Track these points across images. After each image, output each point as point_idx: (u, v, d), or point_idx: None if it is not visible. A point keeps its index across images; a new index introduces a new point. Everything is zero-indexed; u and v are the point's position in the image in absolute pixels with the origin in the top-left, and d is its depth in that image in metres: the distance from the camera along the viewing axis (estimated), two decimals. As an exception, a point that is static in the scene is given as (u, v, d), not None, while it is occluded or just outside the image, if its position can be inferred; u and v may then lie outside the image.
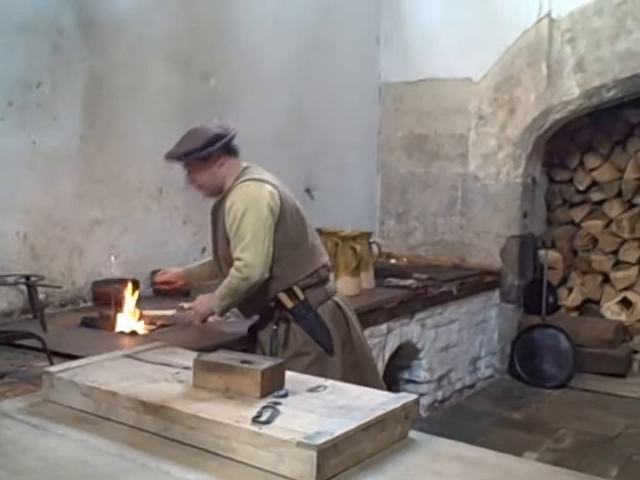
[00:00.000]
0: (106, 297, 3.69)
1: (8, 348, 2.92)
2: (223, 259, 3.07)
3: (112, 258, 3.57)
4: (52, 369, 2.21)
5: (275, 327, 3.02)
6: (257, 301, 3.05)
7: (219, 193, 3.07)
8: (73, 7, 3.79)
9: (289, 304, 2.99)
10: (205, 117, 4.57)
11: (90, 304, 3.92)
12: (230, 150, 3.05)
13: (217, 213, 3.09)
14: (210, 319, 3.25)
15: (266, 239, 2.90)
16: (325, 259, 3.16)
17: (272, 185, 2.99)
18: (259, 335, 3.11)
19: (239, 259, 2.90)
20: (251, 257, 2.88)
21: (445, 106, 6.00)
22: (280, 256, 2.96)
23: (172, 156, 3.07)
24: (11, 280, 3.48)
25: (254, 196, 2.93)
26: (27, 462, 1.74)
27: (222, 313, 3.13)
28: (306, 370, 2.50)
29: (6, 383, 2.50)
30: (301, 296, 3.00)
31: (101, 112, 3.99)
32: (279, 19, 5.12)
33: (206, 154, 2.98)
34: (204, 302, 3.15)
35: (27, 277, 3.51)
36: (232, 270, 2.93)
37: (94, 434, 1.90)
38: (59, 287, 3.73)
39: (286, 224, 2.97)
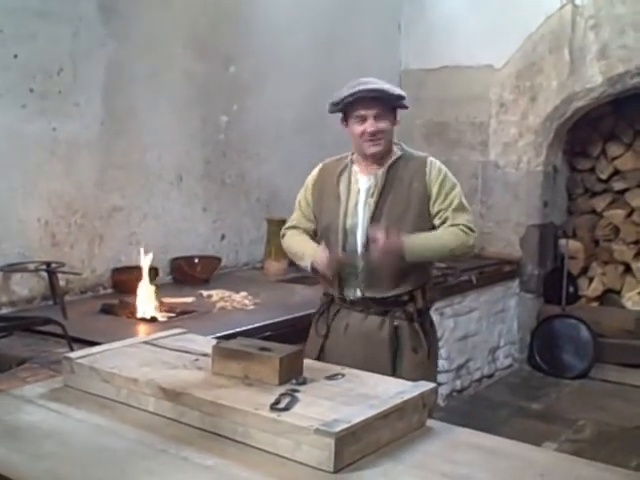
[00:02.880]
0: (126, 284, 3.73)
1: (29, 334, 2.95)
2: (397, 224, 2.70)
3: (141, 250, 3.53)
4: (72, 355, 2.22)
5: (396, 324, 2.75)
6: (394, 286, 2.75)
7: (385, 151, 2.80)
8: (93, -7, 3.80)
9: (420, 303, 2.79)
10: (225, 103, 4.60)
11: (110, 291, 3.95)
12: None
13: (400, 176, 2.79)
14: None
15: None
16: None
17: None
18: (349, 327, 2.79)
19: (470, 228, 2.74)
20: (470, 224, 2.76)
21: (466, 93, 5.95)
22: None
23: (391, 94, 2.76)
24: (32, 267, 3.52)
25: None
26: (48, 447, 1.76)
27: (409, 261, 2.68)
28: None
29: (27, 369, 2.53)
30: (428, 297, 2.85)
31: (121, 98, 4.00)
32: (300, 5, 5.10)
33: (402, 106, 2.82)
34: (392, 242, 2.64)
35: (48, 264, 3.54)
36: (459, 232, 2.71)
37: (114, 419, 1.91)
38: (79, 274, 3.76)
39: None
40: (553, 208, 6.01)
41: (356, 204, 2.80)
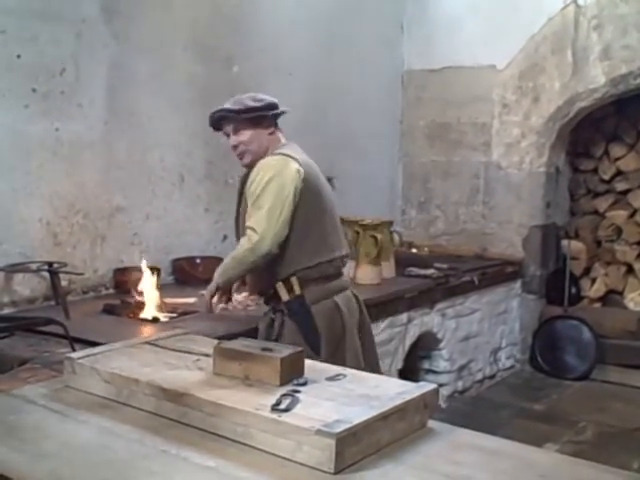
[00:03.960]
0: (127, 284, 3.73)
1: (31, 334, 2.95)
2: (242, 233, 2.95)
3: (144, 260, 3.53)
4: (74, 355, 2.22)
5: (273, 317, 2.95)
6: (258, 284, 3.01)
7: (258, 159, 2.95)
8: (96, -6, 3.81)
9: (285, 296, 2.90)
10: (227, 105, 4.59)
11: (112, 291, 3.95)
12: (277, 123, 3.03)
13: (244, 183, 3.00)
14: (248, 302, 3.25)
15: (282, 215, 2.80)
16: (336, 254, 2.99)
17: (300, 164, 2.89)
18: (258, 322, 3.05)
19: (251, 228, 2.81)
20: (263, 228, 2.78)
21: (468, 94, 5.95)
22: (287, 242, 2.85)
23: (231, 111, 2.95)
24: (34, 267, 3.52)
25: (280, 169, 2.84)
26: (49, 447, 1.76)
27: (224, 285, 2.97)
28: None
29: (28, 369, 2.53)
30: (297, 290, 2.89)
31: (124, 99, 4.01)
32: (302, 5, 5.11)
33: (262, 116, 2.94)
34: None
35: (50, 264, 3.55)
36: (241, 239, 2.87)
37: (115, 420, 1.91)
38: (81, 274, 3.76)
39: (300, 209, 2.86)
40: (555, 209, 6.00)
41: None
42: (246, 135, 2.96)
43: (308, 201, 2.89)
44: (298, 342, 2.76)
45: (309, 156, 3.04)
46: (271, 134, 2.99)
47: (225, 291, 3.06)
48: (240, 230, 3.03)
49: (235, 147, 3.00)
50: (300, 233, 2.88)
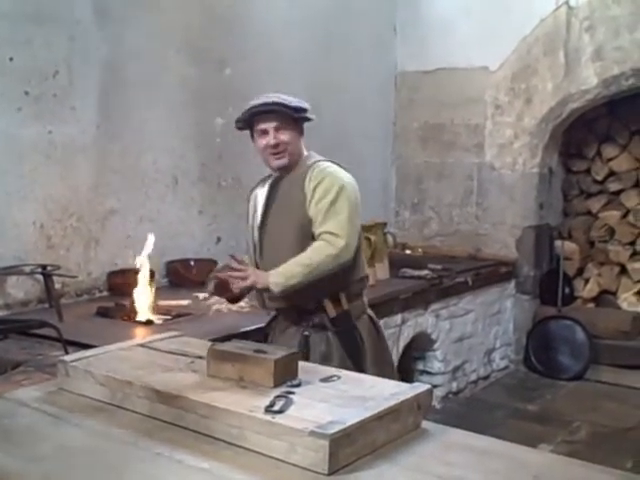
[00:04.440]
0: (121, 287, 3.73)
1: (24, 337, 2.95)
2: (284, 237, 2.73)
3: (137, 260, 3.51)
4: (67, 358, 2.22)
5: (307, 334, 2.74)
6: (297, 297, 2.70)
7: (292, 163, 2.78)
8: (89, -3, 3.81)
9: (332, 312, 2.72)
10: (220, 106, 4.60)
11: (105, 294, 3.96)
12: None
13: (284, 187, 2.80)
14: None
15: (358, 224, 2.70)
16: (367, 269, 2.94)
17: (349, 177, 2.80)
18: (277, 336, 2.83)
19: (333, 234, 2.60)
20: (347, 234, 2.61)
21: (461, 95, 5.96)
22: None
23: (286, 106, 2.72)
24: (27, 270, 3.52)
25: (347, 178, 2.74)
26: (42, 450, 1.75)
27: (284, 292, 2.65)
28: None
29: (22, 372, 2.53)
30: (345, 305, 2.73)
31: (117, 102, 4.01)
32: (295, 8, 5.11)
33: (306, 119, 2.81)
34: (260, 275, 2.69)
35: (43, 267, 3.55)
36: (320, 243, 2.62)
37: (109, 423, 1.91)
38: (75, 277, 3.76)
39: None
40: (549, 209, 6.02)
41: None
42: (289, 135, 2.75)
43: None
44: (344, 361, 2.68)
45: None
46: (302, 137, 2.85)
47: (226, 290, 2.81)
48: (265, 243, 2.81)
49: (275, 146, 2.73)
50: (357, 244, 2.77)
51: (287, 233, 2.73)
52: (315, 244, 2.64)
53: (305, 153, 2.85)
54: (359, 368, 2.63)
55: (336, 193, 2.66)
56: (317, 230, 2.66)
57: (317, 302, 2.74)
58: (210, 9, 4.54)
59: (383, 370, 2.70)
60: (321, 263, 2.60)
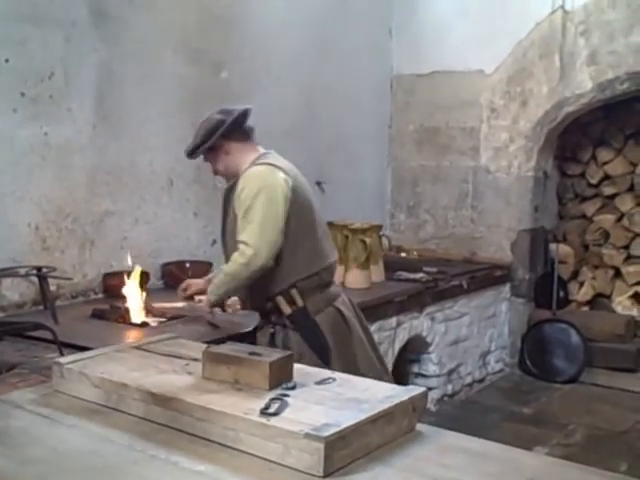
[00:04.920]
0: (117, 289, 3.72)
1: (19, 339, 2.94)
2: (231, 247, 2.93)
3: (128, 256, 3.53)
4: (62, 360, 2.22)
5: (272, 331, 2.90)
6: (255, 299, 2.95)
7: (234, 176, 2.97)
8: (85, -2, 3.80)
9: (287, 310, 2.85)
10: (217, 108, 4.58)
11: (101, 296, 3.95)
12: (237, 135, 2.95)
13: (228, 198, 2.99)
14: (217, 311, 3.13)
15: (276, 227, 2.76)
16: (330, 260, 2.98)
17: (286, 173, 2.86)
18: (257, 336, 2.99)
19: (244, 242, 2.77)
20: (256, 242, 2.74)
21: (457, 98, 5.98)
22: (281, 253, 2.81)
23: (186, 154, 3.05)
24: (22, 272, 3.51)
25: (268, 180, 2.81)
26: (37, 452, 1.75)
27: (218, 302, 3.00)
28: None
29: (17, 374, 2.52)
30: (300, 302, 2.85)
31: (113, 103, 4.00)
32: (291, 10, 5.12)
33: (211, 145, 2.92)
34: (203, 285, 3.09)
35: (38, 269, 3.53)
36: (235, 254, 2.81)
37: (104, 425, 1.91)
38: (70, 279, 3.75)
39: (292, 219, 2.82)
40: (544, 213, 6.03)
41: None
42: (215, 163, 3.01)
43: (298, 210, 2.85)
44: (306, 354, 2.75)
45: (292, 162, 3.04)
46: (231, 151, 2.95)
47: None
48: (228, 245, 2.99)
49: (215, 173, 3.08)
50: (294, 243, 2.84)
51: (233, 241, 2.89)
52: (233, 254, 2.83)
53: (251, 158, 2.94)
54: (326, 363, 2.71)
55: (250, 200, 2.78)
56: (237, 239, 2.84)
57: (272, 302, 2.87)
58: (207, 10, 4.54)
59: (347, 365, 2.71)
60: (236, 272, 2.82)
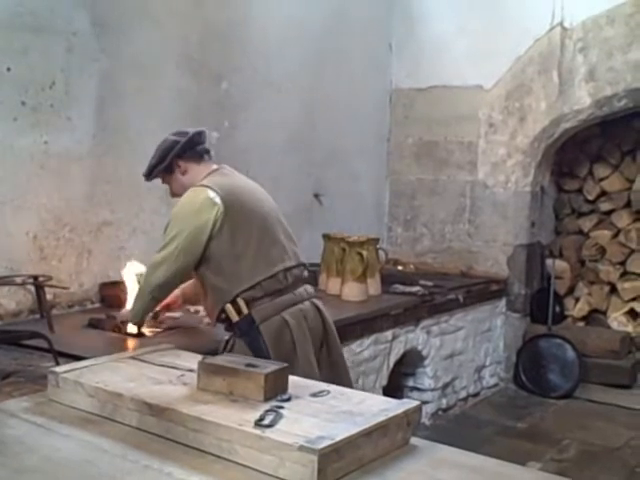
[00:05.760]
0: (113, 299, 3.73)
1: (15, 348, 2.94)
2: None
3: (128, 265, 3.55)
4: (58, 369, 2.22)
5: (227, 338, 2.92)
6: (211, 310, 2.99)
7: None
8: (87, 8, 3.82)
9: (235, 318, 2.86)
10: (216, 120, 4.62)
11: (97, 305, 3.94)
12: (191, 155, 3.01)
13: None
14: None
15: (180, 251, 2.83)
16: (279, 267, 2.92)
17: (215, 191, 2.85)
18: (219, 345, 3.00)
19: (152, 259, 2.92)
20: (159, 259, 2.86)
21: (455, 113, 6.00)
22: (222, 266, 2.85)
23: (144, 176, 3.13)
24: (19, 280, 3.51)
25: (189, 201, 2.89)
26: (32, 461, 1.76)
27: (134, 319, 3.06)
28: None
29: (12, 383, 2.52)
30: (245, 310, 2.84)
31: (113, 113, 4.02)
32: (291, 24, 5.14)
33: (166, 166, 3.00)
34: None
35: (35, 277, 3.53)
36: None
37: (98, 434, 1.91)
38: (67, 288, 3.75)
39: (229, 233, 2.84)
40: (540, 228, 6.05)
41: None
42: (170, 185, 3.09)
43: (234, 223, 2.85)
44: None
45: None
46: (185, 171, 3.01)
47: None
48: None
49: (173, 195, 3.12)
50: (233, 256, 2.85)
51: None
52: None
53: (206, 172, 3.00)
54: None
55: (170, 221, 2.92)
56: None
57: (221, 310, 2.89)
58: (208, 23, 4.56)
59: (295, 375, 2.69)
60: (141, 287, 3.00)
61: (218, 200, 2.84)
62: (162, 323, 3.34)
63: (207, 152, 3.09)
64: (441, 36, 6.00)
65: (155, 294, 2.93)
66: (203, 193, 2.86)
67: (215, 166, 3.06)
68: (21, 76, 3.55)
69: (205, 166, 3.03)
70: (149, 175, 3.09)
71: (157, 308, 3.20)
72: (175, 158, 2.99)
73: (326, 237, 4.74)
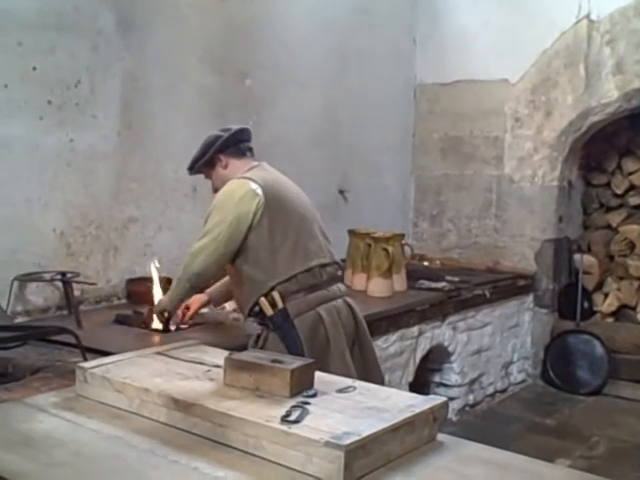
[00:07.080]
0: (140, 295, 3.75)
1: (43, 343, 2.97)
2: None
3: (154, 264, 3.57)
4: (86, 365, 2.24)
5: (259, 332, 2.92)
6: (244, 303, 2.99)
7: None
8: (111, 7, 3.84)
9: (269, 311, 2.85)
10: (240, 117, 4.61)
11: (124, 301, 3.98)
12: (233, 150, 3.04)
13: None
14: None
15: (221, 239, 2.83)
16: (314, 263, 2.93)
17: (257, 183, 2.89)
18: (250, 339, 3.00)
19: (192, 247, 2.92)
20: (198, 247, 2.87)
21: (481, 108, 5.96)
22: (260, 258, 2.86)
23: (187, 170, 3.18)
24: (47, 277, 3.55)
25: (232, 192, 2.89)
26: (60, 456, 1.77)
27: (169, 305, 3.06)
28: None
29: (41, 378, 2.55)
30: (280, 304, 2.84)
31: (138, 111, 4.04)
32: (315, 19, 5.14)
33: (208, 159, 3.04)
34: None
35: (63, 274, 3.57)
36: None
37: (126, 429, 1.92)
38: (94, 284, 3.79)
39: (268, 225, 2.86)
40: (568, 223, 5.99)
41: None
42: (211, 179, 3.12)
43: (273, 216, 2.87)
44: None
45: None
46: (226, 166, 3.04)
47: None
48: None
49: (215, 191, 3.10)
50: (271, 248, 2.86)
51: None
52: None
53: (246, 168, 3.02)
54: None
55: (210, 209, 2.94)
56: None
57: (255, 303, 2.89)
58: (231, 20, 4.57)
59: (321, 370, 2.63)
60: (180, 276, 2.97)
61: (260, 192, 2.87)
62: (191, 319, 3.33)
63: (250, 149, 3.12)
64: (465, 30, 5.96)
65: (192, 282, 2.93)
66: (245, 184, 2.89)
67: (255, 162, 3.08)
68: (47, 75, 3.58)
69: (246, 162, 3.06)
70: (191, 169, 3.14)
71: (187, 316, 3.22)
72: (216, 153, 3.03)
73: (351, 233, 4.72)
